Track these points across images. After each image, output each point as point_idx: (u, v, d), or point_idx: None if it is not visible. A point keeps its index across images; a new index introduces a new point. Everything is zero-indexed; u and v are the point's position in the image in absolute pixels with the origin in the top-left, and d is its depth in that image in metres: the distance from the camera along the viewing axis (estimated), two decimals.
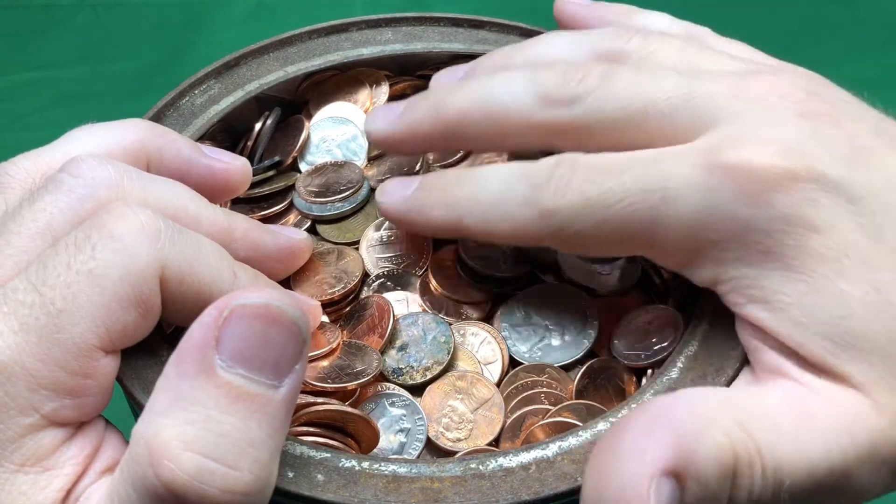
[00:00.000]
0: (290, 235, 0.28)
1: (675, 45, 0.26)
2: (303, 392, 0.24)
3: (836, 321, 0.21)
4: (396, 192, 0.27)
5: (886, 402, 0.20)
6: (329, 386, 0.25)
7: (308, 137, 0.33)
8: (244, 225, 0.26)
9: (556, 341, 0.28)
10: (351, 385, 0.25)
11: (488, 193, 0.25)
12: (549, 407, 0.26)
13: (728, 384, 0.24)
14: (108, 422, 0.22)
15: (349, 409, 0.24)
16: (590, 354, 0.28)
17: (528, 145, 0.26)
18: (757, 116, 0.22)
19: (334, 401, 0.24)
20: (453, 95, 0.27)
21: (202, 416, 0.18)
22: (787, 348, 0.22)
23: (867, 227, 0.21)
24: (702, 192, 0.22)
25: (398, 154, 0.32)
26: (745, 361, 0.24)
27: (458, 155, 0.33)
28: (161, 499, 0.18)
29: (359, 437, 0.25)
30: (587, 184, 0.23)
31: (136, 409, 0.23)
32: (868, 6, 0.70)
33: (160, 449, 0.18)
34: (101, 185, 0.22)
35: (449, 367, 0.27)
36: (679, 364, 0.25)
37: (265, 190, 0.31)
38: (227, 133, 0.33)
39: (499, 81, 0.26)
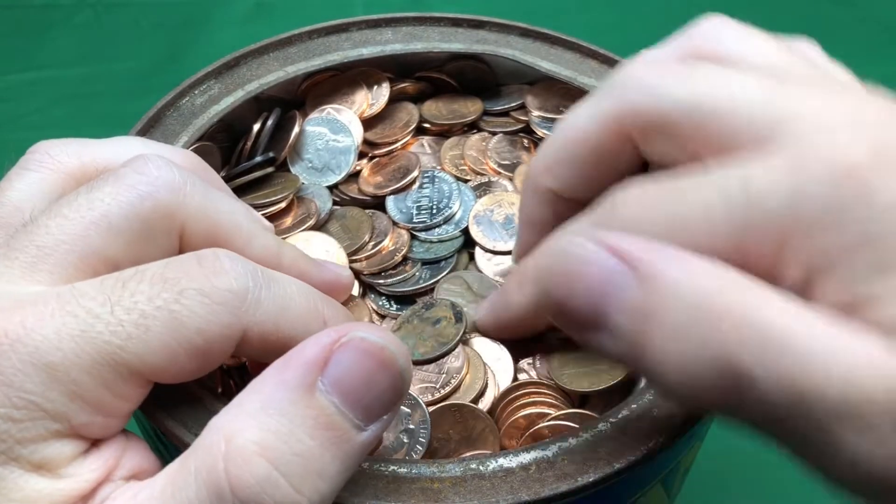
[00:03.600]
0: (335, 270, 0.27)
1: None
2: None
3: None
4: None
5: None
6: None
7: (300, 133, 0.33)
8: (292, 253, 0.25)
9: None
10: None
11: None
12: (551, 411, 0.26)
13: None
14: (129, 431, 0.22)
15: None
16: None
17: None
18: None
19: None
20: None
21: (287, 429, 0.18)
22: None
23: None
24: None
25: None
26: None
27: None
28: (220, 495, 0.18)
29: None
30: None
31: (147, 423, 0.23)
32: (868, 6, 0.70)
33: (239, 447, 0.18)
34: (163, 187, 0.22)
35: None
36: None
37: (266, 191, 0.31)
38: (227, 133, 0.33)
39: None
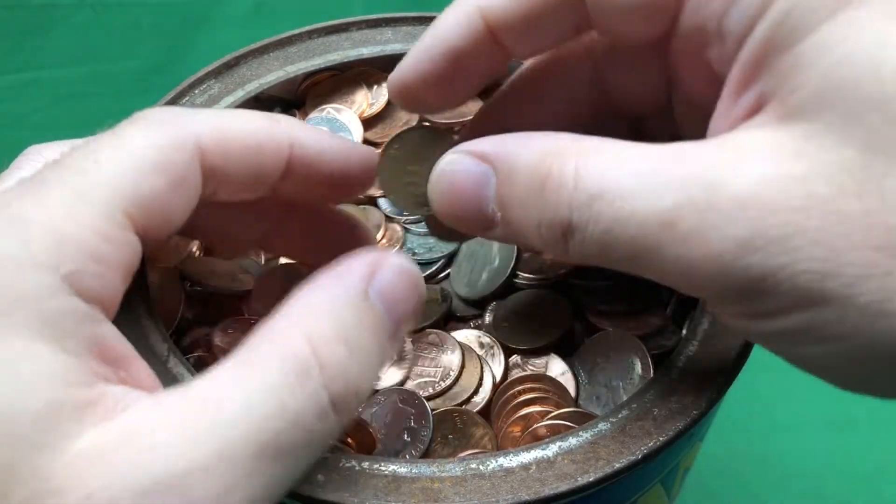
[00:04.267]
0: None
1: None
2: None
3: None
4: None
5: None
6: None
7: None
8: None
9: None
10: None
11: None
12: (549, 409, 0.26)
13: (727, 384, 0.24)
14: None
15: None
16: None
17: None
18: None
19: None
20: None
21: (353, 324, 0.20)
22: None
23: None
24: None
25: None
26: (744, 358, 0.24)
27: None
28: (308, 374, 0.18)
29: (357, 440, 0.25)
30: None
31: None
32: None
33: (322, 334, 0.19)
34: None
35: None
36: (679, 364, 0.25)
37: None
38: None
39: None
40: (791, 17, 0.19)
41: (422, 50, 0.24)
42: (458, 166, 0.22)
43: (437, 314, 0.29)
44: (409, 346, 0.28)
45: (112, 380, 0.19)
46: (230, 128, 0.22)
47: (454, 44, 0.24)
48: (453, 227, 0.23)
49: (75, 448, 0.17)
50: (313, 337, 0.19)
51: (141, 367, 0.20)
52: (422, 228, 0.32)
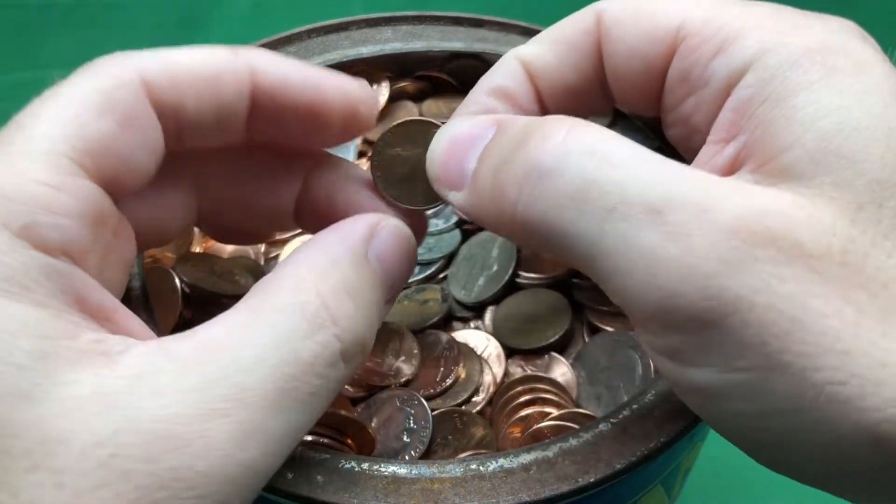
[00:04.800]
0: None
1: None
2: None
3: None
4: None
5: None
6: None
7: None
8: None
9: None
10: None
11: None
12: (550, 409, 0.26)
13: None
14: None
15: (349, 416, 0.24)
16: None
17: None
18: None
19: (334, 409, 0.25)
20: None
21: (356, 280, 0.20)
22: None
23: None
24: None
25: None
26: None
27: None
28: (321, 324, 0.19)
29: (356, 441, 0.25)
30: None
31: None
32: (868, 6, 0.70)
33: (331, 288, 0.19)
34: None
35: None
36: None
37: None
38: None
39: None
40: (781, 73, 0.19)
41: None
42: (467, 121, 0.22)
43: (437, 315, 0.29)
44: (416, 349, 0.28)
45: (98, 330, 0.18)
46: (178, 60, 0.21)
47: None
48: (433, 180, 0.23)
49: (75, 395, 0.16)
50: (321, 290, 0.19)
51: (129, 319, 0.20)
52: None
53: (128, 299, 0.20)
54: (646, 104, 0.24)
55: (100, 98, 0.19)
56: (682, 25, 0.21)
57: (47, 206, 0.18)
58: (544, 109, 0.25)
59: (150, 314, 0.25)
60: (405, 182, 0.24)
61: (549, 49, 0.24)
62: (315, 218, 0.25)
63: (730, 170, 0.20)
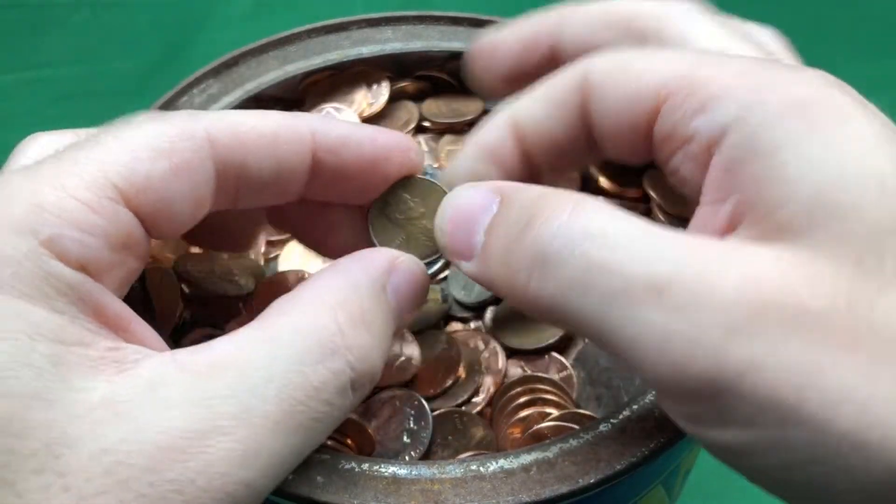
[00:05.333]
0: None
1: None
2: None
3: None
4: None
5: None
6: None
7: None
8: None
9: None
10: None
11: None
12: (550, 410, 0.26)
13: None
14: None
15: (349, 416, 0.24)
16: None
17: None
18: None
19: None
20: None
21: (373, 311, 0.21)
22: None
23: None
24: None
25: None
26: None
27: None
28: (334, 351, 0.19)
29: (356, 441, 0.25)
30: None
31: None
32: (868, 6, 0.70)
33: (350, 316, 0.20)
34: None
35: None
36: None
37: None
38: None
39: None
40: (764, 131, 0.19)
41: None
42: (470, 191, 0.22)
43: (437, 315, 0.29)
44: (416, 353, 0.28)
45: (114, 339, 0.18)
46: (244, 121, 0.22)
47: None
48: (443, 249, 0.23)
49: (88, 401, 0.17)
50: (339, 316, 0.20)
51: (144, 330, 0.20)
52: None
53: (128, 299, 0.20)
54: (635, 157, 0.24)
55: (161, 142, 0.20)
56: (665, 84, 0.21)
57: (76, 222, 0.18)
58: (533, 165, 0.25)
59: (151, 314, 0.25)
60: (402, 245, 0.25)
61: (540, 107, 0.24)
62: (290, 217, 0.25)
63: (728, 228, 0.20)
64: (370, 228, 0.25)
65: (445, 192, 0.24)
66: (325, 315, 0.20)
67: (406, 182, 0.25)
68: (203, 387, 0.17)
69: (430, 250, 0.25)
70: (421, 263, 0.24)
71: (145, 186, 0.20)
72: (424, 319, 0.29)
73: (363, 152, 0.23)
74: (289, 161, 0.22)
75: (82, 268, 0.18)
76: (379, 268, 0.22)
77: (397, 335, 0.23)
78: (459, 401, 0.27)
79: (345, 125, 0.24)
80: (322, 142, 0.23)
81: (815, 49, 0.67)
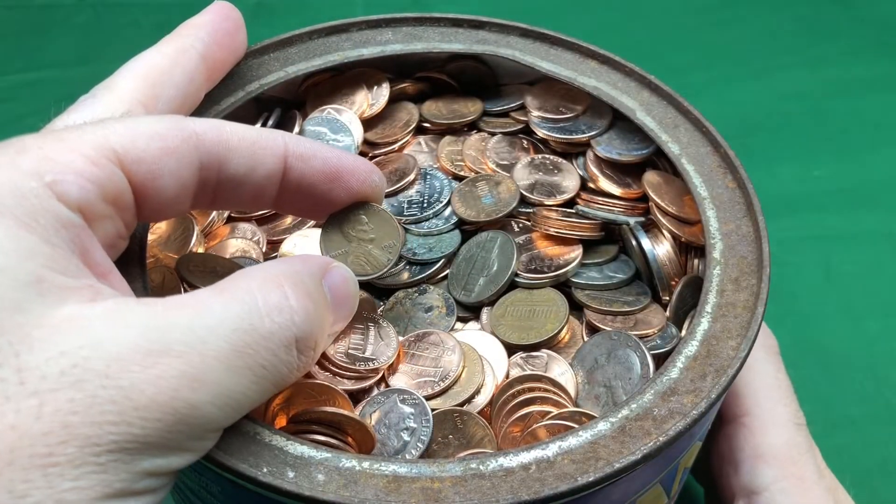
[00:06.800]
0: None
1: None
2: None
3: None
4: None
5: None
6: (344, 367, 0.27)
7: (300, 133, 0.33)
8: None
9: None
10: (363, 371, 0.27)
11: None
12: (550, 409, 0.26)
13: (728, 384, 0.24)
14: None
15: (349, 414, 0.24)
16: None
17: None
18: None
19: (335, 408, 0.25)
20: None
21: (313, 300, 0.22)
22: None
23: None
24: None
25: None
26: (744, 360, 0.25)
27: None
28: (281, 305, 0.21)
29: (356, 439, 0.25)
30: None
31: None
32: (867, 6, 0.70)
33: (291, 304, 0.22)
34: None
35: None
36: (679, 364, 0.25)
37: None
38: None
39: None
40: None
41: None
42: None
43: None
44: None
45: (94, 279, 0.21)
46: (228, 125, 0.25)
47: None
48: None
49: (58, 315, 0.19)
50: (285, 285, 0.22)
51: (120, 283, 0.23)
52: (421, 228, 0.32)
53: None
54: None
55: (158, 128, 0.23)
56: None
57: (77, 170, 0.21)
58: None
59: None
60: (341, 257, 0.27)
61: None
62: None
63: None
64: (321, 232, 0.27)
65: (398, 228, 0.27)
66: (273, 282, 0.22)
67: (367, 206, 0.27)
68: (162, 316, 0.20)
69: (364, 272, 0.27)
70: (352, 273, 0.26)
71: (139, 158, 0.22)
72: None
73: (329, 164, 0.26)
74: (264, 163, 0.25)
75: (80, 210, 0.21)
76: (318, 265, 0.24)
77: (332, 333, 0.25)
78: (459, 400, 0.27)
79: (315, 142, 0.26)
80: (294, 150, 0.26)
81: (815, 49, 0.67)
